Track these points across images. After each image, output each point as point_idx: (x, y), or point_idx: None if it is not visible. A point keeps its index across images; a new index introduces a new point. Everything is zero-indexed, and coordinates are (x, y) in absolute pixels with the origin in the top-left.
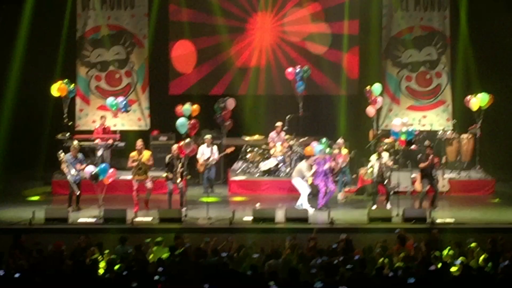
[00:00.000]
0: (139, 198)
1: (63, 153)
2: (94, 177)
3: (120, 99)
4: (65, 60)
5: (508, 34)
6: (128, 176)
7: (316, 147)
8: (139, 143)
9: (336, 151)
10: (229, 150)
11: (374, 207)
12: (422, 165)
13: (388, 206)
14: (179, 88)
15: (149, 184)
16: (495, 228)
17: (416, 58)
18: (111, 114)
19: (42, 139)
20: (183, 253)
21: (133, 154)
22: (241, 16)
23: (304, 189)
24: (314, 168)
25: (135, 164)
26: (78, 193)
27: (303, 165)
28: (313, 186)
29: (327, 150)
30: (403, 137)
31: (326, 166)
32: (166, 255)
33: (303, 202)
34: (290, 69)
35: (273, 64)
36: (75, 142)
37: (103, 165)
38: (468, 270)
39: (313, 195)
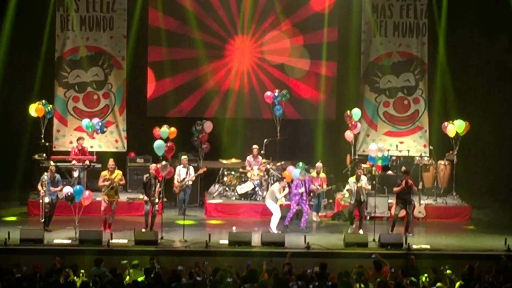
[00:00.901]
0: (107, 219)
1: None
2: (70, 198)
3: (96, 120)
4: (43, 80)
5: (485, 61)
6: None
7: (294, 171)
8: (111, 162)
9: (314, 174)
10: (201, 171)
11: (350, 230)
12: (395, 189)
13: (361, 231)
14: (156, 109)
15: (113, 206)
16: (471, 254)
17: (394, 84)
18: (88, 135)
19: (18, 159)
20: (158, 276)
21: (104, 173)
22: (219, 40)
23: (275, 211)
24: (287, 190)
25: (107, 183)
26: (48, 214)
27: (275, 186)
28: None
29: (307, 173)
30: (379, 163)
31: (302, 190)
32: (142, 278)
33: (271, 225)
34: (269, 93)
35: (251, 87)
36: (51, 163)
37: (78, 187)
38: None
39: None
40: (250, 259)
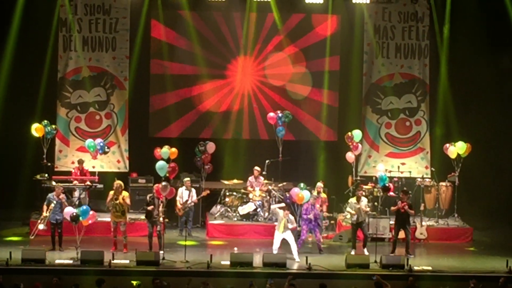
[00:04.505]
0: (117, 239)
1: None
2: (75, 218)
3: (98, 140)
4: (46, 100)
5: (487, 83)
6: (106, 218)
7: (305, 192)
8: (117, 183)
9: (314, 194)
10: (204, 193)
11: (353, 252)
12: (392, 208)
13: (366, 252)
14: (159, 129)
15: (122, 227)
16: (472, 276)
17: (396, 105)
18: (90, 155)
19: (20, 179)
20: None
21: (111, 193)
22: (222, 61)
23: (292, 242)
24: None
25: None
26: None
27: (281, 214)
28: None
29: (313, 194)
30: (379, 184)
31: (311, 215)
32: None
33: (295, 255)
34: (271, 114)
35: (253, 109)
36: (54, 183)
37: (84, 207)
38: None
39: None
40: (252, 280)
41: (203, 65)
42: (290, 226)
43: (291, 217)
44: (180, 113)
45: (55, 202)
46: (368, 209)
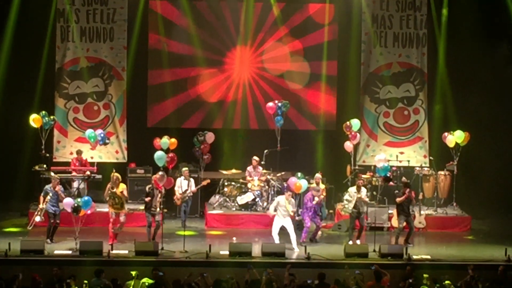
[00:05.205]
0: (114, 230)
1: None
2: (76, 209)
3: (99, 131)
4: (44, 91)
5: (486, 71)
6: (105, 209)
7: (302, 181)
8: (115, 176)
9: (313, 185)
10: (205, 183)
11: (351, 242)
12: (398, 199)
13: (358, 242)
14: (157, 120)
15: (122, 218)
16: (471, 264)
17: (394, 95)
18: (90, 146)
19: (19, 170)
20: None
21: (108, 185)
22: (220, 49)
23: (292, 231)
24: (292, 200)
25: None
26: (55, 224)
27: (283, 201)
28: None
29: (313, 184)
30: (381, 174)
31: (316, 200)
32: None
33: (294, 244)
34: (271, 104)
35: (250, 99)
36: (52, 174)
37: (86, 198)
38: None
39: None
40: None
41: (201, 64)
42: (291, 208)
43: (293, 200)
44: (179, 106)
45: (51, 193)
46: (367, 199)
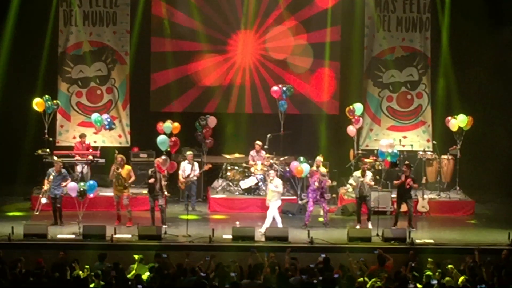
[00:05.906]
0: (121, 213)
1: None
2: (82, 193)
3: (105, 116)
4: (47, 75)
5: (489, 56)
6: (108, 193)
7: (304, 165)
8: (119, 157)
9: (314, 168)
10: (206, 167)
11: (358, 226)
12: (395, 182)
13: (370, 225)
14: (159, 104)
15: (125, 201)
16: (474, 249)
17: (397, 79)
18: (95, 130)
19: (22, 154)
20: (161, 272)
21: (114, 166)
22: (222, 34)
23: (270, 216)
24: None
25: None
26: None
27: (277, 184)
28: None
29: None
30: (388, 158)
31: (315, 186)
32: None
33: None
34: (275, 88)
35: (254, 83)
36: (55, 158)
37: (91, 182)
38: None
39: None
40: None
41: (204, 41)
42: (275, 189)
43: (277, 180)
44: (182, 90)
45: (53, 175)
46: (372, 183)
